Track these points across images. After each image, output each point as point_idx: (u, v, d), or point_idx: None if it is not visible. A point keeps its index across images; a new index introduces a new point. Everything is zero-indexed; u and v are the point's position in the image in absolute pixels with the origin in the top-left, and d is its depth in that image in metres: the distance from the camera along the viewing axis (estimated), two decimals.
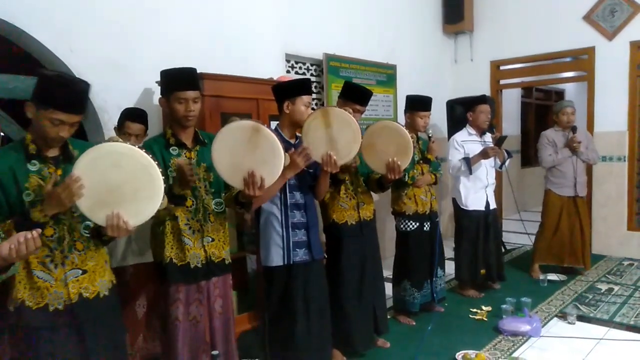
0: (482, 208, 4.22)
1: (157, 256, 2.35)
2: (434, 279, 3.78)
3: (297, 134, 2.70)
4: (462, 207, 4.23)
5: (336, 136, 2.53)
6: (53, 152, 1.82)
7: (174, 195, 2.16)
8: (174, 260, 2.27)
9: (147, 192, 1.78)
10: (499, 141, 4.17)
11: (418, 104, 3.69)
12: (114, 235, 1.76)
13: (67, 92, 1.72)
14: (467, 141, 4.20)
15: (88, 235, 1.88)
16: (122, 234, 1.77)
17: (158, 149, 2.25)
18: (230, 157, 2.13)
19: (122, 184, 1.74)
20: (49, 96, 1.71)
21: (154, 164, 1.78)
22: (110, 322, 1.95)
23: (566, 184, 4.57)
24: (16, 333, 1.81)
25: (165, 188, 1.83)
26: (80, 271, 1.85)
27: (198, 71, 3.13)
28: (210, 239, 2.34)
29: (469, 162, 4.09)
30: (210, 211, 2.33)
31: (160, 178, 1.79)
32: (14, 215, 1.72)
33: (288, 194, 2.63)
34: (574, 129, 4.48)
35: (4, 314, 1.83)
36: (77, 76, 1.81)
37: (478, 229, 4.21)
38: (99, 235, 1.90)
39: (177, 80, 2.24)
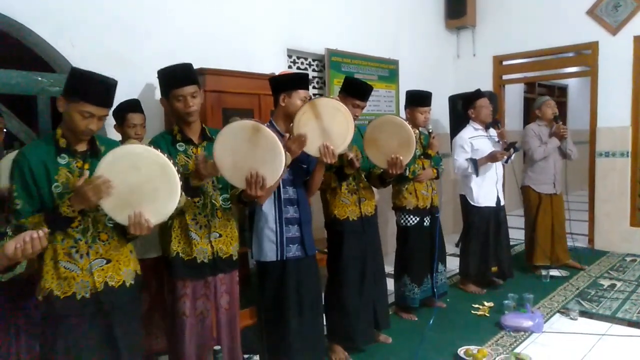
0: (493, 204, 4.20)
1: (164, 250, 2.36)
2: (434, 274, 3.77)
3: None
4: (473, 203, 4.18)
5: (328, 126, 2.49)
6: (82, 147, 1.90)
7: (190, 188, 2.17)
8: (180, 254, 2.28)
9: (165, 191, 1.84)
10: (509, 147, 4.15)
11: (418, 100, 3.67)
12: (136, 233, 1.83)
13: (96, 86, 1.81)
14: (475, 137, 4.16)
15: (112, 225, 1.93)
16: (144, 232, 1.83)
17: (165, 145, 2.26)
18: (232, 157, 2.13)
19: (141, 184, 1.81)
20: (80, 89, 1.79)
21: (169, 163, 1.84)
22: (133, 310, 2.03)
23: (546, 180, 4.59)
24: (47, 322, 1.88)
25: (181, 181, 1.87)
26: (105, 261, 1.92)
27: (200, 66, 3.12)
28: (218, 235, 2.34)
29: (476, 164, 4.07)
30: (217, 207, 2.34)
31: (177, 176, 1.85)
32: (44, 210, 1.79)
33: (282, 189, 2.62)
34: (556, 119, 4.51)
35: (17, 305, 1.89)
36: None
37: (489, 225, 4.19)
38: (123, 233, 1.95)
39: (173, 78, 2.23)
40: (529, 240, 4.75)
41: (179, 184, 1.85)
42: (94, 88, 1.80)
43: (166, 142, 2.28)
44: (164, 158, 1.83)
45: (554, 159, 4.56)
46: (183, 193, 1.92)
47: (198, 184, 2.19)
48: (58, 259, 1.83)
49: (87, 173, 1.80)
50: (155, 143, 2.25)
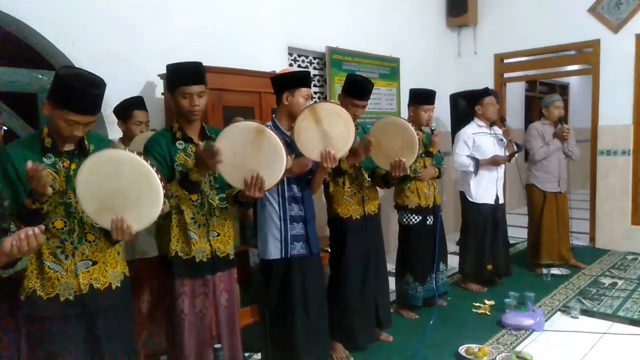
0: (492, 202, 4.19)
1: (162, 249, 2.35)
2: (436, 273, 3.77)
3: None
4: (471, 200, 4.19)
5: (329, 130, 2.48)
6: (69, 146, 1.85)
7: (190, 182, 2.15)
8: (179, 253, 2.28)
9: (148, 198, 1.79)
10: (512, 154, 4.19)
11: (422, 98, 3.66)
12: (118, 238, 1.79)
13: (82, 95, 1.72)
14: (478, 133, 4.17)
15: (99, 225, 1.89)
16: (126, 238, 1.79)
17: (165, 143, 2.25)
18: (232, 157, 2.12)
19: (123, 190, 1.76)
20: (64, 98, 1.71)
21: (152, 171, 1.77)
22: (120, 313, 1.98)
23: (550, 179, 4.60)
24: (30, 323, 1.84)
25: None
26: (91, 262, 1.88)
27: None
28: (216, 234, 2.34)
29: (477, 164, 4.07)
30: (215, 206, 2.33)
31: (160, 185, 1.79)
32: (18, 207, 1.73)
33: (286, 187, 2.62)
34: (561, 120, 4.52)
35: (18, 304, 1.86)
36: (92, 73, 1.80)
37: (486, 223, 4.18)
38: (108, 235, 1.91)
39: (182, 75, 2.22)
40: (534, 239, 4.74)
41: (161, 192, 1.79)
42: (79, 96, 1.71)
43: (166, 140, 2.27)
44: (147, 166, 1.77)
45: (557, 158, 4.56)
46: (166, 201, 1.87)
47: (198, 177, 2.16)
48: (43, 259, 1.80)
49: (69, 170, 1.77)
50: (155, 141, 2.25)
